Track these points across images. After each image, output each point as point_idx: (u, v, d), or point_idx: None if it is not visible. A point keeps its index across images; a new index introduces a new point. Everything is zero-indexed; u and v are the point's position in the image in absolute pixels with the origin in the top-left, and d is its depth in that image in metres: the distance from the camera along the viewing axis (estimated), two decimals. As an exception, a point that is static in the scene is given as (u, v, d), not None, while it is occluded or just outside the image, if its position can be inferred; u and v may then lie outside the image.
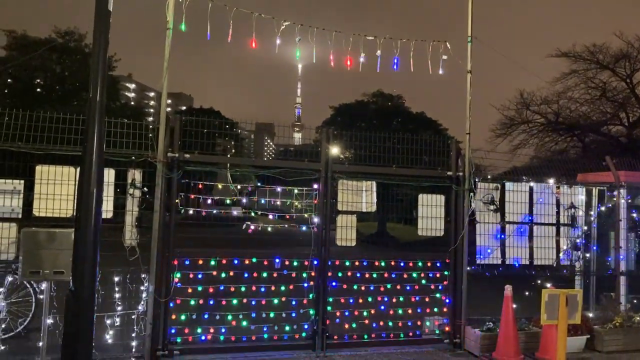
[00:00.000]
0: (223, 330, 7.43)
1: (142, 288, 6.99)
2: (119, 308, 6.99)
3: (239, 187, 7.65)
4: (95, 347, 6.60)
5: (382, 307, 8.25)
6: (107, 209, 6.88)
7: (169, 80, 7.18)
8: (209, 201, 7.52)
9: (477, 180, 8.76)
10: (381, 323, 8.18)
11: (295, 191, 7.93)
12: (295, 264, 7.80)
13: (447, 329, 8.50)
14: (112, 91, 37.82)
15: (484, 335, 8.08)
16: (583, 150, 25.63)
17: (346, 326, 8.05)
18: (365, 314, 8.09)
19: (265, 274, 7.69)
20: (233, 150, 11.18)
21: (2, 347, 6.69)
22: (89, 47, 41.53)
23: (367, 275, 8.26)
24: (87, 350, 4.67)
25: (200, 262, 7.34)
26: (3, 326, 6.91)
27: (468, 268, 8.53)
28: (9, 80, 35.25)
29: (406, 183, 8.65)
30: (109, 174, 6.94)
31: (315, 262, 7.83)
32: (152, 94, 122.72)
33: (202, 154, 7.52)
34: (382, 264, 8.38)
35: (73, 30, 38.20)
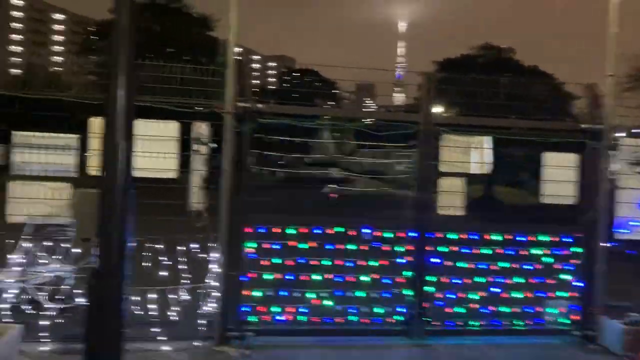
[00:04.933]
0: (303, 310, 6.38)
1: (209, 259, 6.07)
2: (184, 281, 6.14)
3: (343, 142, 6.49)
4: (156, 324, 5.85)
5: (494, 290, 6.81)
6: (170, 168, 6.00)
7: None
8: (287, 160, 6.41)
9: (620, 135, 6.94)
10: (493, 308, 6.76)
11: (390, 151, 6.61)
12: (388, 235, 6.54)
13: (576, 318, 6.92)
14: (211, 52, 37.92)
15: (627, 329, 6.43)
16: None
17: (450, 311, 6.72)
18: (473, 297, 6.70)
19: (352, 247, 6.49)
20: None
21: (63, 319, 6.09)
22: (188, 8, 42.10)
23: (475, 251, 6.83)
24: (115, 328, 3.78)
25: (277, 230, 6.29)
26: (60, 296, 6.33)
27: (606, 244, 6.82)
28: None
29: (529, 138, 7.00)
30: (171, 128, 6.02)
31: (413, 234, 6.52)
32: (256, 57, 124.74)
33: (278, 103, 6.37)
34: (495, 237, 6.89)
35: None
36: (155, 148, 5.97)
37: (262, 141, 6.27)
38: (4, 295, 6.08)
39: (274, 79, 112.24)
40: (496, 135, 6.81)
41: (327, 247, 6.43)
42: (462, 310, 6.70)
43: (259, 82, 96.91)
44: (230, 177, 6.00)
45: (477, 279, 6.78)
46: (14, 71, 73.42)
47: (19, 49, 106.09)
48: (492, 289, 6.79)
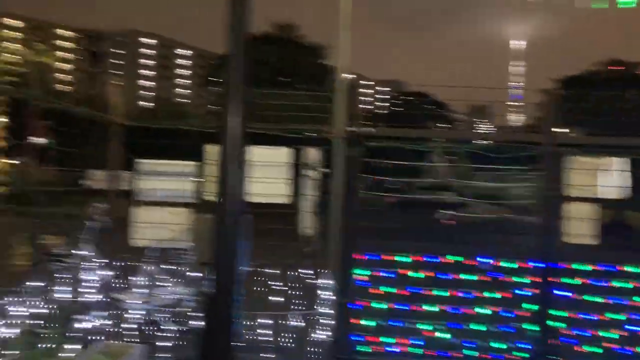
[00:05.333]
0: (416, 342, 6.08)
1: (320, 285, 5.99)
2: (295, 307, 6.10)
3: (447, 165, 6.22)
4: (264, 350, 5.84)
5: (633, 328, 6.08)
6: (282, 193, 6.04)
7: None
8: (396, 184, 6.21)
9: None
10: (634, 350, 6.03)
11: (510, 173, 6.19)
12: (508, 265, 6.08)
13: None
14: (322, 79, 38.78)
15: None
16: None
17: (580, 350, 6.08)
18: (609, 335, 6.03)
19: (469, 277, 6.11)
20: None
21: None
22: (302, 38, 43.49)
23: (609, 284, 6.15)
24: (227, 352, 3.77)
25: (388, 258, 6.08)
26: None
27: None
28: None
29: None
30: (283, 153, 6.07)
31: (536, 264, 6.01)
32: (367, 82, 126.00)
33: (389, 126, 6.22)
34: (632, 269, 6.17)
35: (288, 23, 40.13)
36: (267, 174, 6.06)
37: (372, 166, 6.14)
38: (128, 316, 6.39)
39: (385, 103, 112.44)
40: (633, 157, 6.16)
41: (442, 276, 6.10)
42: (597, 350, 6.04)
43: (369, 106, 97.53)
44: (340, 202, 5.92)
45: (611, 315, 6.09)
46: (143, 104, 79.80)
47: (147, 83, 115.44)
48: (631, 328, 6.07)
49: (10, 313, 4.93)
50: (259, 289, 6.03)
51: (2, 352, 4.55)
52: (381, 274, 6.10)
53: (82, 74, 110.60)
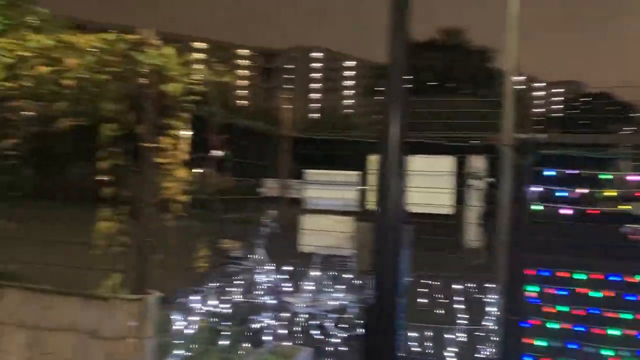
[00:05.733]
0: (596, 368, 5.52)
1: (486, 300, 5.72)
2: (460, 322, 5.90)
3: None
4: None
5: None
6: (446, 204, 5.90)
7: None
8: (573, 195, 5.73)
9: None
10: None
11: None
12: None
13: None
14: (490, 84, 37.31)
15: None
16: None
17: None
18: None
19: (661, 299, 5.40)
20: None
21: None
22: (468, 42, 42.28)
23: None
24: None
25: (563, 274, 5.61)
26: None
27: None
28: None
29: None
30: (447, 162, 5.93)
31: None
32: (539, 85, 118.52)
33: (564, 132, 5.76)
34: None
35: (453, 28, 39.38)
36: (430, 183, 5.97)
37: (543, 175, 5.74)
38: (296, 319, 6.70)
39: (559, 106, 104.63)
40: None
41: (628, 297, 5.47)
42: None
43: (542, 110, 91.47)
44: (508, 213, 5.60)
45: None
46: (312, 115, 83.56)
47: (315, 95, 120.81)
48: None
49: (193, 310, 5.44)
50: (421, 300, 5.94)
51: (184, 345, 5.04)
52: (556, 292, 5.65)
53: (257, 90, 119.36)
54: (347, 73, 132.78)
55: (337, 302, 6.84)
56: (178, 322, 5.08)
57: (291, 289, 6.98)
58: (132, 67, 3.92)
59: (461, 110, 5.94)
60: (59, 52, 4.01)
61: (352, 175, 6.50)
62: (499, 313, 5.55)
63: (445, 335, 5.87)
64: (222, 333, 5.87)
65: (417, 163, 6.10)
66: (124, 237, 4.04)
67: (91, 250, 4.03)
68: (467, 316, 5.88)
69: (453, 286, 5.89)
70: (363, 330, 3.99)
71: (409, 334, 5.77)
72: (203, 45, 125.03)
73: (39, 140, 5.01)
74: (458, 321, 5.91)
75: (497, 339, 5.53)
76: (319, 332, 6.60)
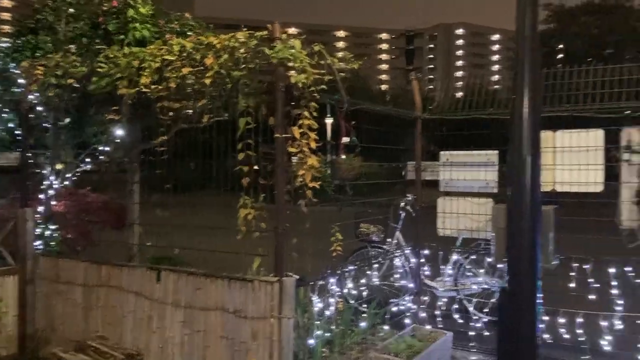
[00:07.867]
0: None
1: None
2: (618, 308, 5.40)
3: None
4: (583, 351, 5.32)
5: None
6: (595, 181, 5.42)
7: None
8: None
9: None
10: None
11: None
12: None
13: None
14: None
15: None
16: None
17: None
18: None
19: None
20: None
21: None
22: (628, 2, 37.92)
23: None
24: (526, 347, 3.59)
25: None
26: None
27: None
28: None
29: None
30: (597, 136, 5.44)
31: None
32: None
33: None
34: None
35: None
36: (578, 160, 5.52)
37: None
38: (438, 303, 6.61)
39: None
40: None
41: None
42: None
43: None
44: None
45: None
46: (457, 95, 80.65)
47: (460, 73, 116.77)
48: None
49: (334, 292, 5.61)
50: (569, 284, 5.54)
51: (324, 325, 5.21)
52: None
53: (398, 72, 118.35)
54: (492, 47, 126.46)
55: (478, 287, 6.63)
56: (318, 304, 5.28)
57: (432, 272, 6.90)
58: (263, 62, 4.12)
59: (622, 77, 5.35)
60: (199, 54, 4.34)
61: (492, 154, 6.22)
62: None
63: (600, 322, 5.43)
64: (362, 315, 5.99)
65: (564, 138, 5.68)
66: (263, 223, 4.28)
67: (237, 236, 4.33)
68: (621, 302, 5.38)
69: (608, 270, 5.41)
70: (498, 317, 3.84)
71: (555, 319, 5.44)
72: (343, 33, 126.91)
73: (186, 137, 5.49)
74: (610, 307, 5.43)
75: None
76: (460, 316, 6.47)
